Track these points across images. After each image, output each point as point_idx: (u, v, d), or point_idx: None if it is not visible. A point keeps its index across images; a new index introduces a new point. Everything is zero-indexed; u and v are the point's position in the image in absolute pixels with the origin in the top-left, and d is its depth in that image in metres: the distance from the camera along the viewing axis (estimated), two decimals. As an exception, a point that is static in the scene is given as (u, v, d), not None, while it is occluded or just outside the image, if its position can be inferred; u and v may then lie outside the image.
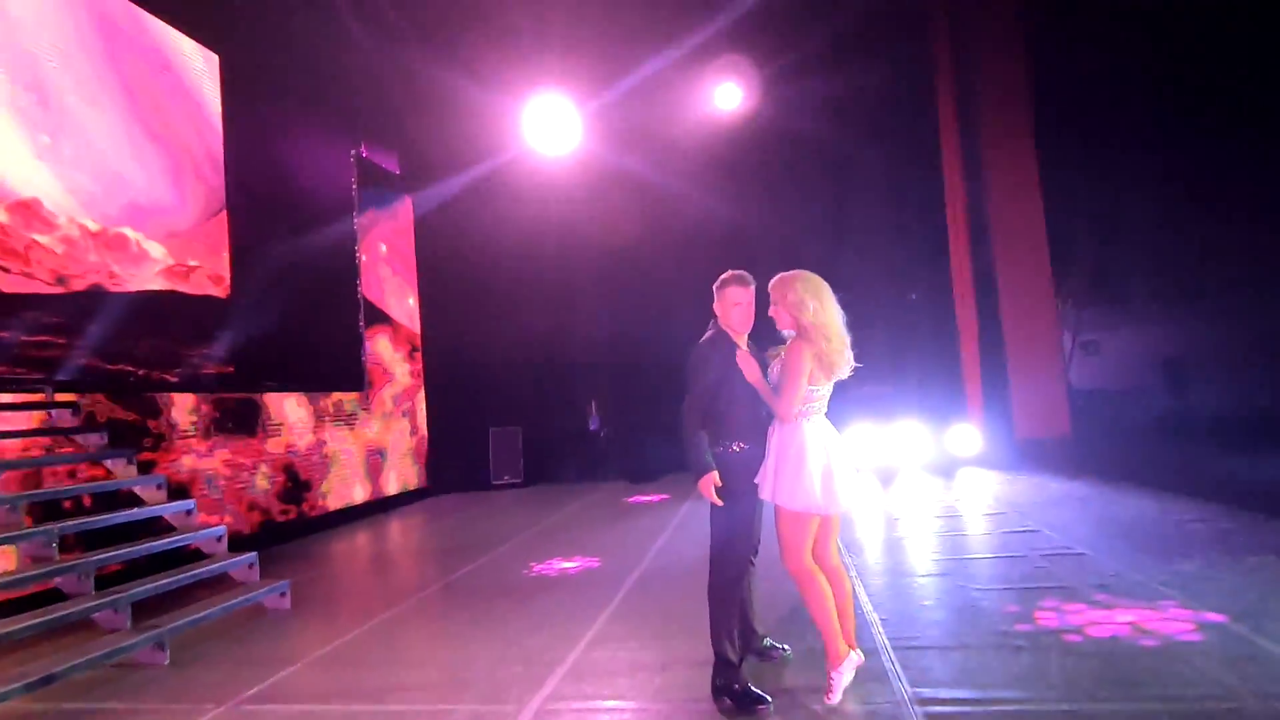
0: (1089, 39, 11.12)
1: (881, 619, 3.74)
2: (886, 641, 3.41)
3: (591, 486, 10.25)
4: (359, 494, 8.96)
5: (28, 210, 5.49)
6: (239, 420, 7.15)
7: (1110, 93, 11.99)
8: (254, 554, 4.97)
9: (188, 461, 6.41)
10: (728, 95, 10.03)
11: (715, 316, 3.10)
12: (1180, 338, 12.58)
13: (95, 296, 5.88)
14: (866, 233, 10.34)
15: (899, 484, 8.24)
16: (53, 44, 5.80)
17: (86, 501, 5.00)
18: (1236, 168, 11.81)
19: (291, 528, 7.58)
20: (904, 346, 10.33)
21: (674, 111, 10.25)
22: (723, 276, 3.07)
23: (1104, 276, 12.25)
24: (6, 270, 5.27)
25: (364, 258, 9.50)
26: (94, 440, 5.01)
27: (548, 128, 9.98)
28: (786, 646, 3.31)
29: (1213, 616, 3.37)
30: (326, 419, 8.49)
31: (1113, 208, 12.38)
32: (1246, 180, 11.38)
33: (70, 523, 4.29)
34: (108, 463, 5.01)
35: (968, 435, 9.28)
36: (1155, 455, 9.28)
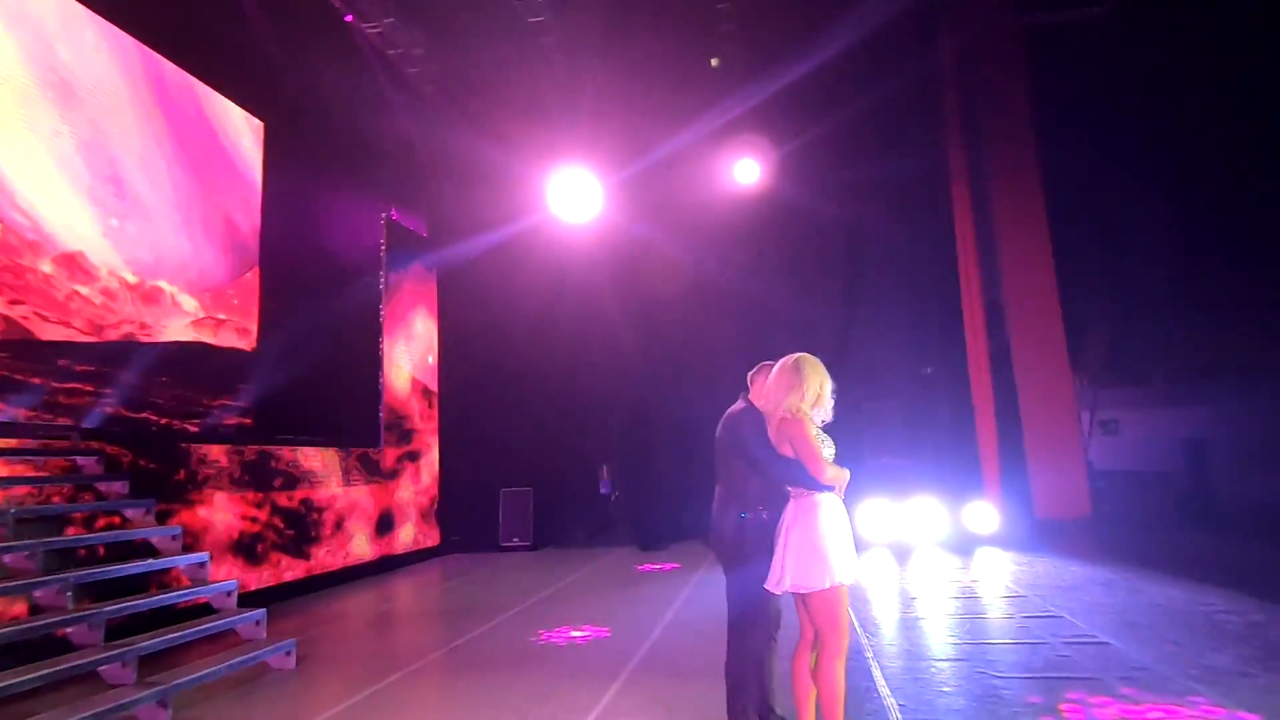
0: (1099, 121, 11.47)
1: (899, 704, 3.63)
2: (905, 729, 3.30)
3: (601, 551, 10.10)
4: (368, 550, 8.89)
5: (72, 262, 5.73)
6: (254, 473, 7.19)
7: (1122, 170, 12.26)
8: (263, 610, 4.93)
9: (202, 512, 6.43)
10: (746, 170, 10.38)
11: (747, 390, 3.31)
12: (1201, 419, 12.42)
13: (126, 346, 6.05)
14: (882, 305, 10.47)
15: (915, 562, 8.06)
16: (109, 104, 6.18)
17: (100, 550, 5.01)
18: (1254, 248, 11.91)
19: (299, 584, 7.51)
20: (919, 421, 10.29)
21: (693, 184, 10.60)
22: (760, 365, 3.32)
23: (1121, 354, 12.22)
24: (45, 318, 5.47)
25: (385, 316, 9.72)
26: (115, 488, 5.06)
27: (570, 196, 10.33)
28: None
29: (1247, 717, 3.24)
30: (340, 474, 8.52)
31: (1128, 286, 12.47)
32: (1268, 260, 11.46)
33: (84, 571, 4.30)
34: (126, 511, 5.04)
35: (985, 513, 9.11)
36: (1179, 541, 9.04)
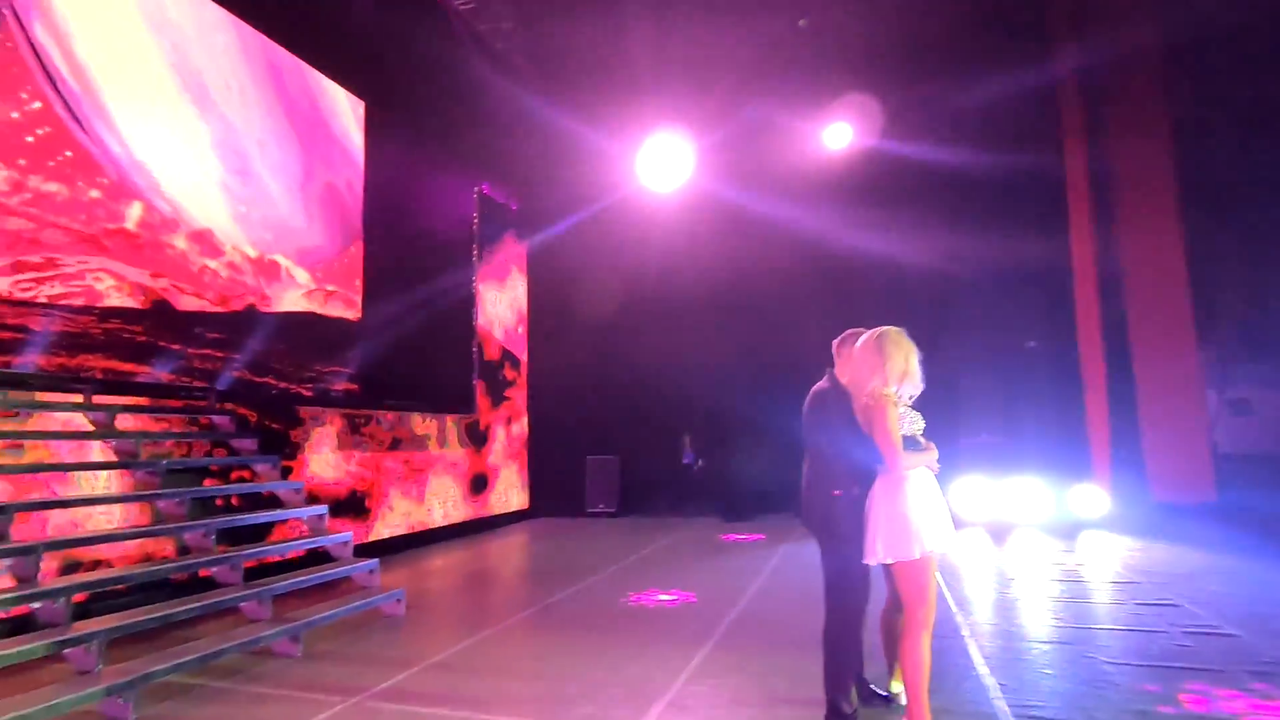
0: (1234, 81, 10.36)
1: (1000, 683, 3.53)
2: (1007, 708, 3.22)
3: (684, 521, 10.23)
4: (463, 511, 9.36)
5: (203, 238, 6.23)
6: (361, 434, 7.69)
7: (1258, 127, 11.05)
8: (376, 561, 5.31)
9: (316, 469, 6.94)
10: (839, 134, 10.01)
11: (833, 367, 3.24)
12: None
13: (249, 316, 6.55)
14: (982, 274, 9.90)
15: (1013, 543, 7.73)
16: (238, 100, 6.63)
17: (234, 500, 5.52)
18: None
19: (401, 539, 8.01)
20: (1020, 396, 9.76)
21: (785, 148, 10.32)
22: (845, 334, 3.24)
23: (1256, 328, 11.13)
24: (182, 290, 5.99)
25: (478, 286, 10.07)
26: (246, 444, 5.54)
27: (660, 165, 10.29)
28: (896, 691, 3.20)
29: (1401, 720, 2.96)
30: (438, 437, 8.97)
31: (1266, 253, 11.30)
32: None
33: (225, 519, 4.76)
34: (256, 466, 5.52)
35: (1093, 495, 8.60)
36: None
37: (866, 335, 3.02)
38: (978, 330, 9.76)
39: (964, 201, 9.76)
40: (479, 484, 9.73)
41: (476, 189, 10.25)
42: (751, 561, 7.06)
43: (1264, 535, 7.67)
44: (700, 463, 11.32)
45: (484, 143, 10.42)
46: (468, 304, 9.88)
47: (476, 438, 9.77)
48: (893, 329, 2.99)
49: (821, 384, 3.19)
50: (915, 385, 2.94)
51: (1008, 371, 9.77)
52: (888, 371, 2.87)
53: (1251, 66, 9.19)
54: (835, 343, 3.30)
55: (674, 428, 11.46)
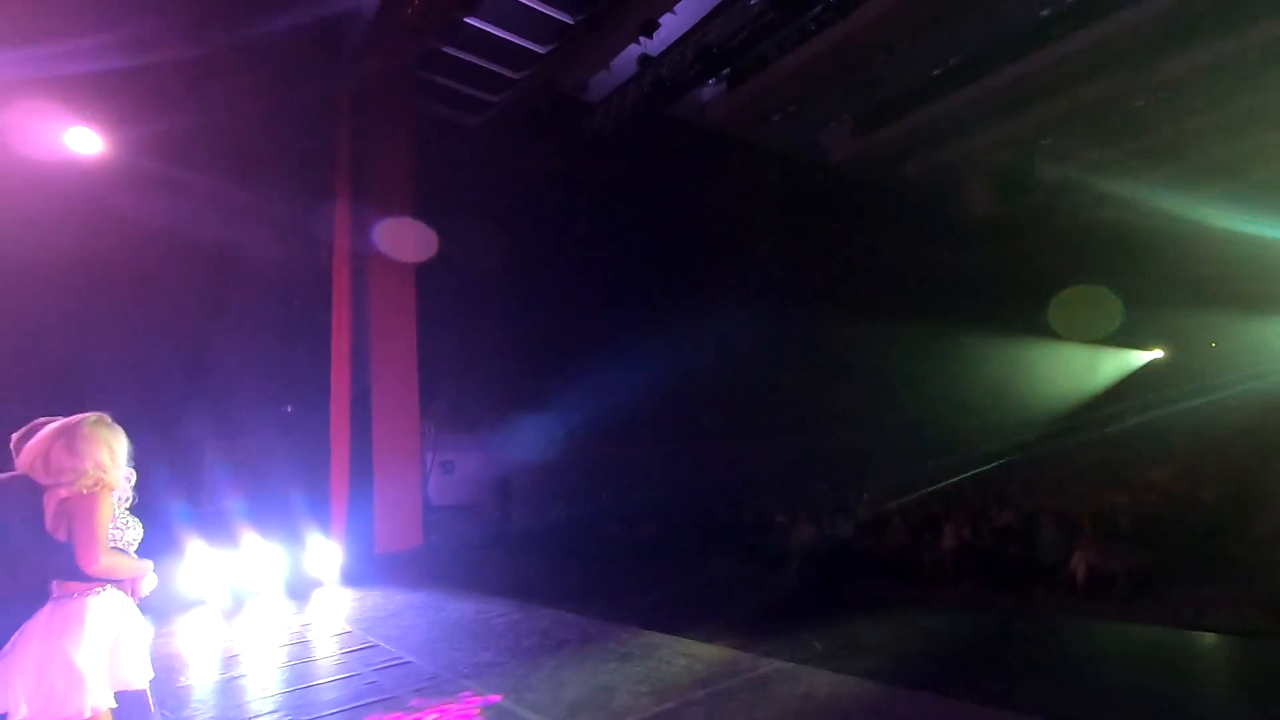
0: (471, 205, 13.79)
1: (187, 782, 3.28)
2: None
3: None
4: None
5: None
6: None
7: (484, 253, 15.02)
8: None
9: None
10: (84, 139, 8.32)
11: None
12: (511, 461, 15.79)
13: None
14: (246, 339, 9.78)
15: (246, 614, 7.54)
16: None
17: None
18: (557, 334, 16.15)
19: None
20: (275, 460, 9.87)
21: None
22: (30, 425, 2.58)
23: (462, 406, 14.57)
24: None
25: None
26: None
27: None
28: None
29: (493, 698, 4.16)
30: None
31: (472, 350, 15.13)
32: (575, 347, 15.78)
33: None
34: None
35: (328, 553, 9.27)
36: (485, 561, 11.09)
37: (55, 424, 2.48)
38: (236, 393, 9.48)
39: (230, 265, 9.56)
40: None
41: None
42: None
43: (453, 569, 9.80)
44: None
45: None
46: None
47: None
48: (89, 417, 2.51)
49: (3, 475, 2.49)
50: (124, 484, 2.54)
51: (262, 436, 9.77)
52: (84, 465, 2.40)
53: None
54: (16, 436, 2.61)
55: None
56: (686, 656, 4.71)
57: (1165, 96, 15.44)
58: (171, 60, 8.60)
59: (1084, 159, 18.30)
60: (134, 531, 2.55)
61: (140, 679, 2.43)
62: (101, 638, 2.32)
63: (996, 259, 20.93)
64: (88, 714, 2.23)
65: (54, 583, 2.35)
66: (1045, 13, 13.27)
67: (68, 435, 2.42)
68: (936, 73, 15.25)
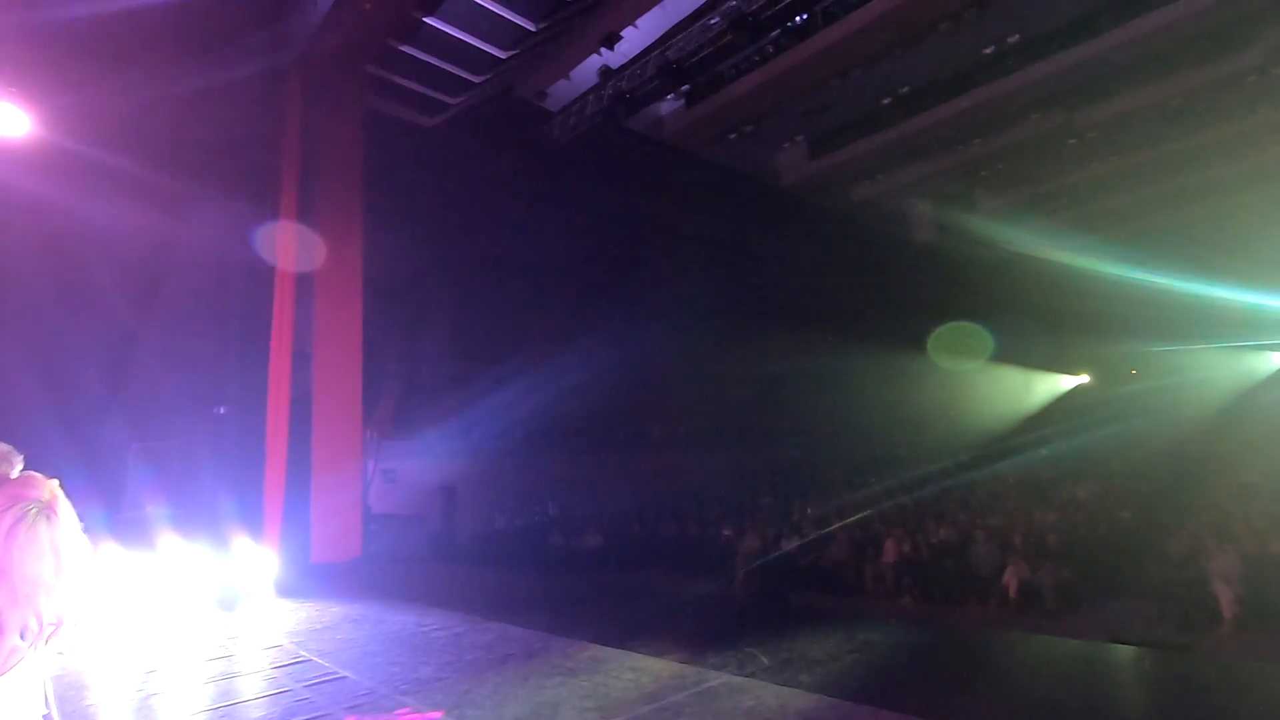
0: (419, 213, 13.54)
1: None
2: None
3: None
4: None
5: None
6: None
7: (429, 262, 14.76)
8: None
9: None
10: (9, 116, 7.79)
11: None
12: (456, 471, 15.46)
13: None
14: (176, 336, 9.33)
15: (167, 627, 7.12)
16: None
17: None
18: (503, 341, 15.94)
19: None
20: (203, 464, 9.41)
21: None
22: None
23: (405, 413, 14.20)
24: None
25: None
26: None
27: None
28: None
29: (433, 714, 4.02)
30: None
31: (416, 358, 14.82)
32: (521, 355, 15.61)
33: None
34: None
35: (261, 562, 8.85)
36: (426, 573, 10.80)
37: None
38: (165, 393, 9.02)
39: (164, 258, 9.14)
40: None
41: None
42: None
43: (390, 581, 9.50)
44: None
45: None
46: None
47: None
48: (28, 511, 2.01)
49: None
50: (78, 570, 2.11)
51: (190, 437, 9.30)
52: (31, 607, 1.95)
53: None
54: None
55: None
56: (633, 671, 4.66)
57: (1093, 138, 16.39)
58: (104, 32, 8.17)
59: (1022, 191, 19.22)
60: None
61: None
62: None
63: (938, 283, 21.72)
64: None
65: None
66: (988, 50, 13.91)
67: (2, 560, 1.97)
68: (886, 101, 15.79)
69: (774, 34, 12.12)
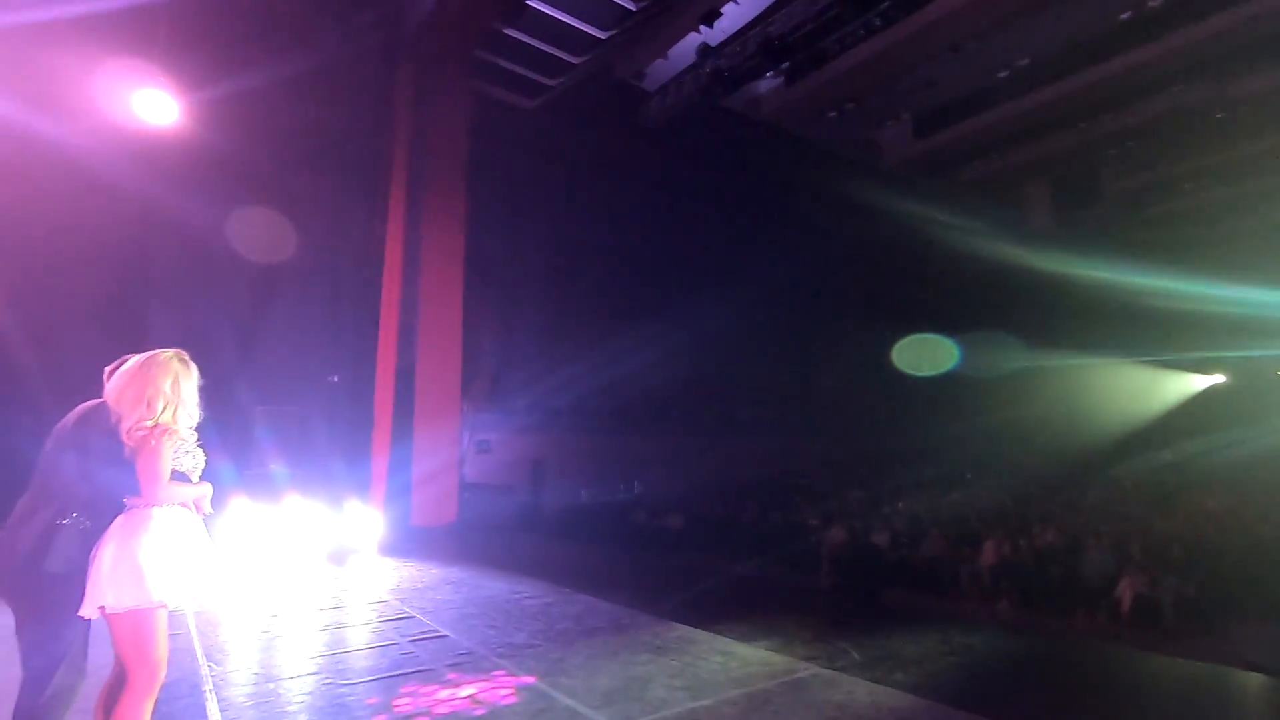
0: (518, 191, 13.88)
1: (232, 736, 3.37)
2: (234, 762, 3.08)
3: None
4: None
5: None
6: None
7: (526, 238, 15.15)
8: None
9: None
10: (158, 105, 8.49)
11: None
12: (544, 445, 15.91)
13: None
14: (297, 309, 10.03)
15: (288, 575, 7.75)
16: None
17: None
18: (596, 319, 16.18)
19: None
20: (318, 428, 10.12)
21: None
22: (124, 359, 2.72)
23: (500, 387, 14.70)
24: None
25: None
26: None
27: None
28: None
29: (527, 679, 4.19)
30: None
31: (513, 333, 15.27)
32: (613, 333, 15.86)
33: None
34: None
35: (368, 522, 9.47)
36: (516, 541, 11.22)
37: (132, 361, 2.64)
38: (286, 361, 9.73)
39: (283, 237, 9.81)
40: None
41: None
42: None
43: (486, 548, 9.94)
44: None
45: None
46: None
47: None
48: (163, 354, 2.68)
49: (92, 402, 2.68)
50: (190, 415, 2.69)
51: (308, 402, 10.02)
52: (153, 400, 2.56)
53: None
54: (108, 369, 2.73)
55: None
56: (722, 654, 4.68)
57: (1245, 111, 14.73)
58: (224, 22, 8.72)
59: (1154, 172, 17.57)
60: (196, 459, 2.71)
61: (173, 596, 2.50)
62: (160, 540, 2.49)
63: (1060, 271, 20.15)
64: (136, 604, 2.40)
65: (126, 498, 2.53)
66: (1125, 16, 12.72)
67: (142, 367, 2.60)
68: (1003, 74, 14.77)
69: (884, 5, 11.53)
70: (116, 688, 2.55)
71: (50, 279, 8.37)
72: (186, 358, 2.75)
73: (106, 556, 2.41)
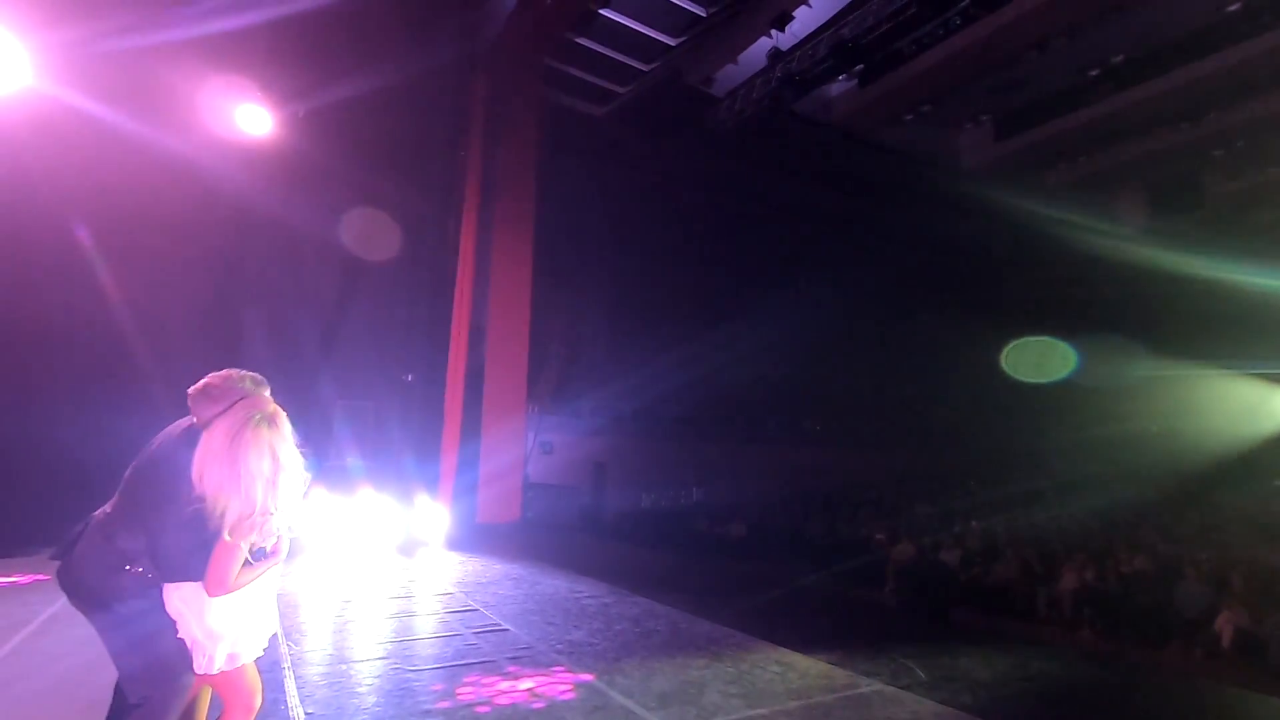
0: (585, 199, 14.08)
1: (307, 713, 3.55)
2: (306, 737, 3.24)
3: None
4: None
5: None
6: None
7: (594, 249, 15.37)
8: None
9: None
10: (254, 117, 9.07)
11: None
12: (608, 448, 16.05)
13: None
14: (375, 310, 10.52)
15: (360, 564, 8.09)
16: None
17: None
18: (661, 326, 16.24)
19: None
20: (393, 424, 10.54)
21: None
22: (206, 383, 2.51)
23: (565, 391, 14.95)
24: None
25: None
26: None
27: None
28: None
29: (585, 676, 4.24)
30: None
31: (578, 339, 15.51)
32: (678, 339, 15.89)
33: None
34: None
35: (436, 516, 9.79)
36: (576, 541, 11.36)
37: (219, 428, 2.35)
38: (363, 359, 10.19)
39: (365, 243, 10.30)
40: None
41: None
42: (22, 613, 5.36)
43: (545, 546, 10.10)
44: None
45: None
46: None
47: None
48: (251, 410, 2.37)
49: (188, 424, 2.47)
50: (294, 480, 2.43)
51: (383, 399, 10.45)
52: (251, 486, 2.28)
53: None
54: (192, 391, 2.48)
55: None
56: (780, 665, 4.60)
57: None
58: (327, 38, 9.20)
59: (1268, 173, 16.27)
60: (298, 478, 2.48)
61: (254, 650, 2.49)
62: (231, 608, 2.40)
63: (1150, 279, 18.88)
64: (230, 668, 2.41)
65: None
66: (1234, 7, 11.85)
67: (231, 447, 2.31)
68: (1094, 73, 14.00)
69: (964, 3, 11.13)
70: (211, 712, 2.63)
71: (160, 280, 9.03)
72: (272, 411, 2.44)
73: (191, 626, 2.36)
